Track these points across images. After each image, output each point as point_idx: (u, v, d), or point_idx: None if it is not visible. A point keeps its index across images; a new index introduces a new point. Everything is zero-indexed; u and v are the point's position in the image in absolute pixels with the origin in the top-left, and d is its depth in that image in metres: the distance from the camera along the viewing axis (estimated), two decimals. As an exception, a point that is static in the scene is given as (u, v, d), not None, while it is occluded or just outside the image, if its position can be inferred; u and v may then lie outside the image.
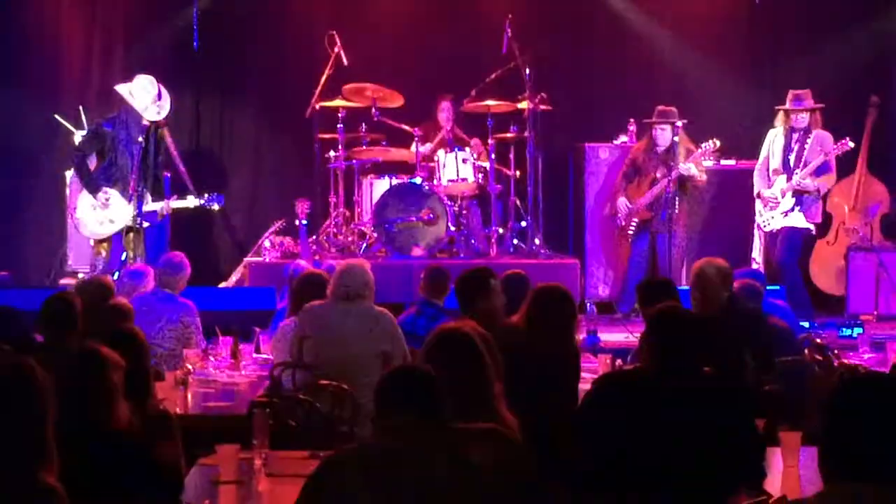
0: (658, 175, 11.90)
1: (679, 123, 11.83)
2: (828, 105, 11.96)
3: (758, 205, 11.82)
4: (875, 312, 11.79)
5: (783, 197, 11.58)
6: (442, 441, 3.80)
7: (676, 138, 11.77)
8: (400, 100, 12.66)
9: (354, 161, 12.57)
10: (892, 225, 12.76)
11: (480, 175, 12.37)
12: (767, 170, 11.73)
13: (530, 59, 12.34)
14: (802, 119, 11.59)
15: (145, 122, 11.19)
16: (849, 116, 12.67)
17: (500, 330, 6.29)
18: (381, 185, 12.38)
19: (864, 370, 7.46)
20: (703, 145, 11.76)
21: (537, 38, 12.92)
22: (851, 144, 11.58)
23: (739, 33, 13.69)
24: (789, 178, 11.55)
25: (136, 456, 4.46)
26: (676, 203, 11.87)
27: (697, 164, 11.85)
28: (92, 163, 11.45)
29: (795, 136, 11.63)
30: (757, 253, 12.29)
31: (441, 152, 12.33)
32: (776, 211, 11.61)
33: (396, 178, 12.41)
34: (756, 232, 12.23)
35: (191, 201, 11.37)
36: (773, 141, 11.73)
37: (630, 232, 12.05)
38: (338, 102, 12.46)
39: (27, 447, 3.67)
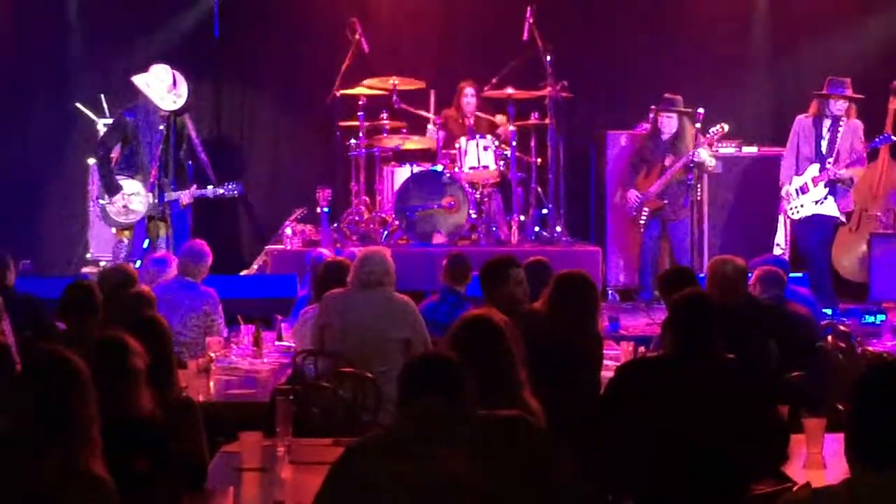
0: (667, 163, 11.85)
1: (700, 110, 11.78)
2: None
3: (786, 192, 11.71)
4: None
5: (815, 186, 11.47)
6: (466, 428, 3.79)
7: (695, 124, 11.70)
8: (420, 86, 12.66)
9: (375, 149, 12.55)
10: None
11: (502, 162, 12.36)
12: (797, 157, 11.63)
13: (552, 47, 12.32)
14: (840, 107, 11.47)
15: (164, 112, 11.20)
16: (871, 102, 12.60)
17: (522, 316, 6.28)
18: (403, 173, 12.38)
19: (891, 357, 7.45)
20: (710, 130, 11.68)
21: (559, 24, 12.90)
22: (895, 138, 11.56)
23: (760, 19, 13.63)
24: (822, 167, 11.45)
25: (160, 443, 4.47)
26: (698, 190, 11.84)
27: (707, 150, 11.78)
28: (115, 151, 11.48)
29: (827, 123, 11.51)
30: (781, 239, 12.24)
31: (462, 140, 12.31)
32: (806, 198, 11.51)
33: (417, 165, 12.40)
34: (781, 219, 12.17)
35: (210, 191, 11.38)
36: (804, 128, 11.63)
37: (641, 221, 11.99)
38: (358, 90, 12.46)
39: (71, 436, 3.68)
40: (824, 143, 11.51)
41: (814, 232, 11.55)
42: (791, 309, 7.55)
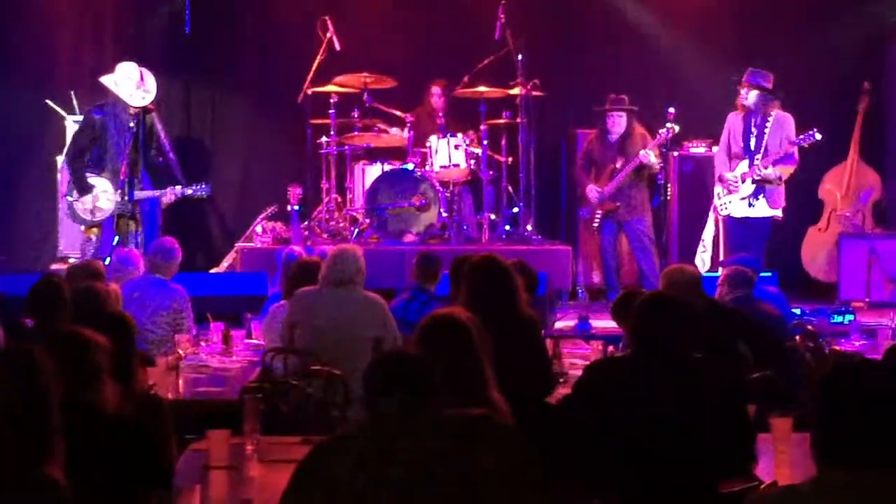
0: (618, 165, 11.86)
1: (671, 109, 11.77)
2: (819, 91, 11.94)
3: (717, 188, 11.72)
4: (867, 299, 11.77)
5: (743, 182, 11.42)
6: (432, 426, 3.79)
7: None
8: (391, 84, 12.66)
9: (346, 147, 12.56)
10: (884, 212, 12.77)
11: (472, 161, 12.37)
12: (728, 153, 11.58)
13: (523, 45, 12.33)
14: (752, 100, 11.32)
15: (134, 109, 11.17)
16: (841, 103, 12.67)
17: None
18: (374, 171, 12.39)
19: (858, 357, 7.48)
20: (660, 131, 11.68)
21: (530, 23, 12.91)
22: (819, 136, 11.16)
23: (732, 19, 13.66)
24: (751, 163, 11.38)
25: (127, 440, 4.45)
26: (668, 190, 11.84)
27: (655, 151, 11.77)
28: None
29: (755, 119, 11.44)
30: (708, 235, 12.24)
31: (433, 138, 12.32)
32: (735, 196, 11.45)
33: (389, 163, 12.41)
34: (711, 217, 12.19)
35: (178, 190, 11.30)
36: (734, 124, 11.59)
37: (595, 224, 12.00)
38: (330, 88, 12.45)
39: (30, 439, 3.65)
40: (753, 139, 11.42)
41: (753, 237, 11.46)
42: (758, 308, 7.58)
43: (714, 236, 12.21)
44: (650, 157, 11.68)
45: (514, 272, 6.34)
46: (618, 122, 11.88)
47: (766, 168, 11.24)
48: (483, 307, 5.59)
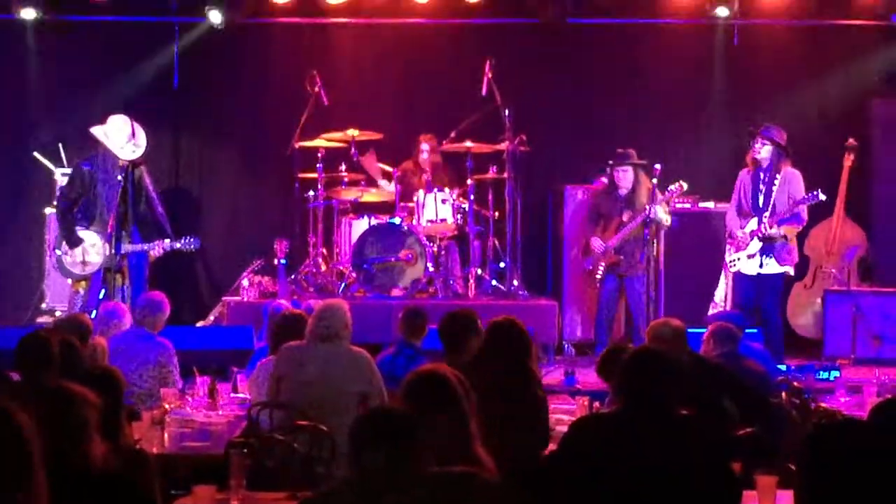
0: (625, 219, 11.87)
1: (657, 166, 11.79)
2: (805, 148, 11.99)
3: (728, 249, 11.75)
4: (852, 356, 11.78)
5: (751, 240, 11.45)
6: (417, 483, 3.79)
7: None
8: (379, 138, 12.71)
9: (334, 200, 12.57)
10: (869, 268, 12.80)
11: (459, 216, 12.39)
12: (738, 210, 11.62)
13: (510, 101, 12.39)
14: (764, 155, 11.38)
15: (123, 162, 11.19)
16: (826, 159, 12.72)
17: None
18: (361, 225, 12.40)
19: (841, 415, 7.49)
20: (670, 188, 11.69)
21: (518, 79, 12.97)
22: (823, 197, 11.18)
23: (718, 76, 13.73)
24: (759, 221, 11.40)
25: (113, 496, 4.44)
26: (654, 246, 11.85)
27: (664, 207, 11.81)
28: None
29: (763, 175, 11.47)
30: (720, 293, 12.27)
31: (420, 192, 12.34)
32: (743, 253, 11.48)
33: (375, 217, 12.42)
34: (723, 276, 12.22)
35: (167, 244, 11.32)
36: (744, 181, 11.62)
37: (598, 276, 12.00)
38: (317, 142, 12.49)
39: (15, 491, 3.63)
40: (761, 197, 11.43)
41: (767, 291, 11.47)
42: (743, 365, 7.58)
43: (725, 293, 12.24)
44: (658, 212, 11.68)
45: (528, 335, 6.88)
46: (625, 177, 11.90)
47: (771, 228, 11.26)
48: (502, 363, 6.57)
